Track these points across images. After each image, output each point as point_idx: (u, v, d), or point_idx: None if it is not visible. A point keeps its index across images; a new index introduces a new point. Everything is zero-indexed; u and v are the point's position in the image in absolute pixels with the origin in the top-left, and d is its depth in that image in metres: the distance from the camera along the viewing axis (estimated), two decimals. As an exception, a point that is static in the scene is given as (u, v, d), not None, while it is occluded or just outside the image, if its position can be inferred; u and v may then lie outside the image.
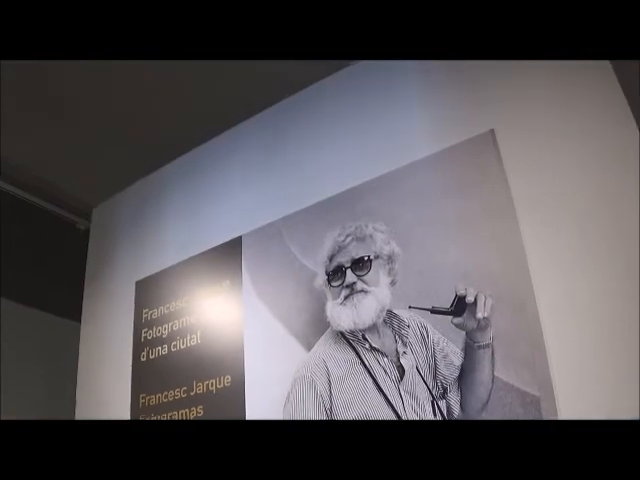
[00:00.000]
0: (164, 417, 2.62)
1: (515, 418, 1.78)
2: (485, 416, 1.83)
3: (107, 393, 2.99)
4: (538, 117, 2.04)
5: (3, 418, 3.84)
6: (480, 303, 1.82)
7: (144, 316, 2.93)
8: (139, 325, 2.93)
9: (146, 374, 2.80)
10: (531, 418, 1.75)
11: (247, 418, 2.32)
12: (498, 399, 1.82)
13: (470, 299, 1.82)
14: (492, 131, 2.10)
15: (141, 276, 3.07)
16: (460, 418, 1.87)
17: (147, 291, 3.00)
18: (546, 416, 1.73)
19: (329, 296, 2.01)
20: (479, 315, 1.82)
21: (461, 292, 1.84)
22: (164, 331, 2.80)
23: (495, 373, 1.84)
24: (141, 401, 2.75)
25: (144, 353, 2.83)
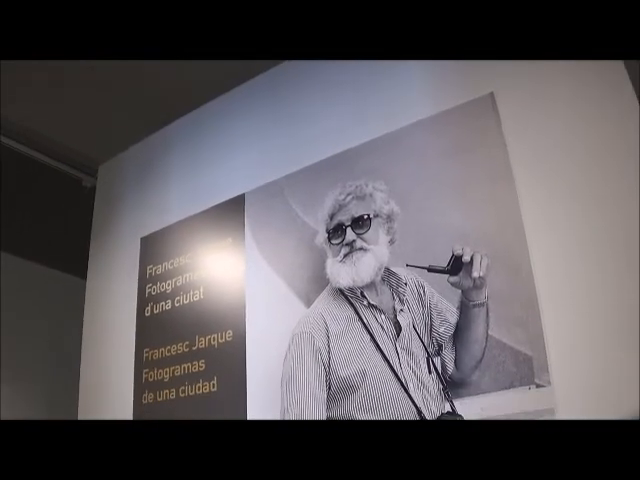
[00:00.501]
0: (167, 371, 2.68)
1: (508, 376, 1.82)
2: (478, 374, 1.88)
3: (111, 348, 3.05)
4: (538, 82, 2.05)
5: (4, 373, 3.92)
6: (476, 263, 1.84)
7: (148, 272, 2.98)
8: (143, 281, 2.98)
9: (150, 329, 2.86)
10: (523, 376, 1.80)
11: (248, 372, 2.38)
12: (492, 357, 1.87)
13: (466, 258, 1.84)
14: (492, 94, 2.11)
15: (146, 233, 3.11)
16: (454, 375, 1.92)
17: (151, 247, 3.04)
18: (538, 375, 1.77)
19: (329, 254, 2.02)
20: (475, 274, 1.83)
21: (458, 252, 1.86)
22: (168, 287, 2.85)
23: (489, 332, 1.88)
24: (145, 355, 2.81)
25: (148, 308, 2.89)
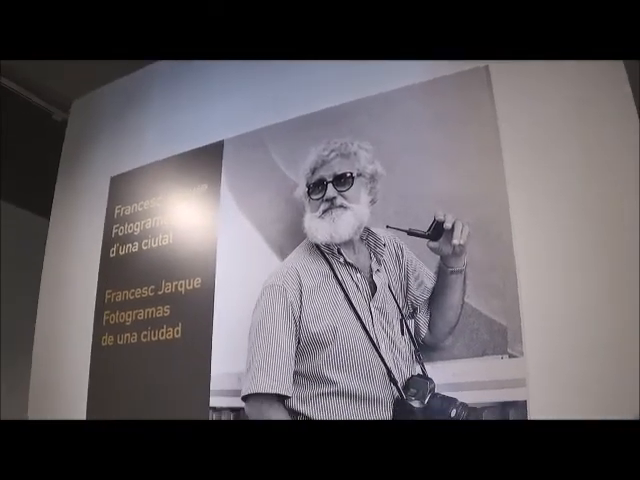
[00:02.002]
0: (130, 314, 2.62)
1: (481, 344, 1.82)
2: (452, 339, 1.87)
3: (72, 287, 2.97)
4: (534, 60, 2.03)
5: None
6: (457, 230, 1.83)
7: (116, 212, 2.89)
8: (110, 221, 2.90)
9: (114, 270, 2.79)
10: (497, 345, 1.80)
11: (214, 321, 2.35)
12: (466, 324, 1.87)
13: (448, 225, 1.83)
14: (487, 67, 2.09)
15: (116, 172, 3.02)
16: (427, 339, 1.91)
17: (122, 187, 2.95)
18: (511, 345, 1.78)
19: (308, 208, 1.99)
20: (455, 241, 1.82)
21: (440, 217, 1.85)
22: (136, 229, 2.77)
23: (465, 299, 1.88)
24: (107, 297, 2.74)
25: (113, 249, 2.81)
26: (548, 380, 1.73)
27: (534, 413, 1.71)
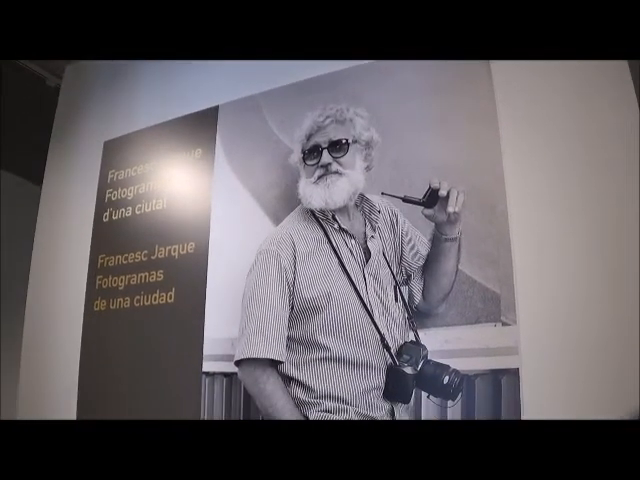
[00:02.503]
0: (122, 279, 2.62)
1: (475, 311, 1.83)
2: (445, 306, 1.88)
3: (65, 252, 2.96)
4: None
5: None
6: (452, 198, 1.82)
7: (110, 177, 2.87)
8: (104, 186, 2.88)
9: (107, 235, 2.78)
10: (490, 313, 1.80)
11: (207, 286, 2.35)
12: (460, 292, 1.87)
13: (443, 193, 1.82)
14: (485, 42, 2.07)
15: (110, 137, 2.98)
16: (421, 306, 1.92)
17: (115, 152, 2.92)
18: (504, 313, 1.79)
19: (302, 174, 1.98)
20: (450, 209, 1.82)
21: (435, 185, 1.84)
22: (130, 193, 2.76)
23: (459, 266, 1.89)
24: (100, 261, 2.74)
25: (107, 214, 2.80)
26: (540, 348, 1.74)
27: (526, 381, 1.73)
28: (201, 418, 2.23)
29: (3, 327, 3.98)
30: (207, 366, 2.26)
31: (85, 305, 2.73)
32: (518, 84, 2.01)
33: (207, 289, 2.36)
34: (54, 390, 2.74)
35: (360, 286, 1.83)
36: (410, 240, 1.95)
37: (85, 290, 2.76)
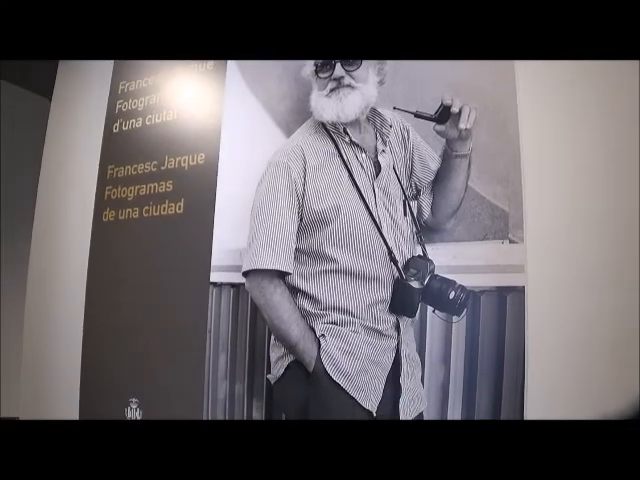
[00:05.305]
0: (132, 190, 2.63)
1: (482, 228, 1.84)
2: (454, 222, 1.89)
3: (74, 162, 2.98)
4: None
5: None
6: (464, 114, 1.80)
7: (120, 88, 2.85)
8: (114, 97, 2.86)
9: (117, 145, 2.78)
10: (498, 230, 1.81)
11: (217, 197, 2.36)
12: (468, 208, 1.87)
13: (455, 109, 1.80)
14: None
15: (122, 47, 2.93)
16: (429, 221, 1.93)
17: (126, 63, 2.89)
18: (512, 231, 1.79)
19: (315, 86, 1.94)
20: (461, 125, 1.80)
21: (447, 101, 1.81)
22: (140, 104, 2.74)
23: (469, 183, 1.88)
24: (109, 172, 2.75)
25: (117, 125, 2.79)
26: (547, 267, 1.75)
27: (532, 300, 1.74)
28: (207, 327, 2.28)
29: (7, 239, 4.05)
30: (215, 277, 2.30)
31: (94, 216, 2.75)
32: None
33: (216, 200, 2.37)
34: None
35: (369, 200, 1.82)
36: (421, 155, 1.93)
37: (94, 201, 2.77)
